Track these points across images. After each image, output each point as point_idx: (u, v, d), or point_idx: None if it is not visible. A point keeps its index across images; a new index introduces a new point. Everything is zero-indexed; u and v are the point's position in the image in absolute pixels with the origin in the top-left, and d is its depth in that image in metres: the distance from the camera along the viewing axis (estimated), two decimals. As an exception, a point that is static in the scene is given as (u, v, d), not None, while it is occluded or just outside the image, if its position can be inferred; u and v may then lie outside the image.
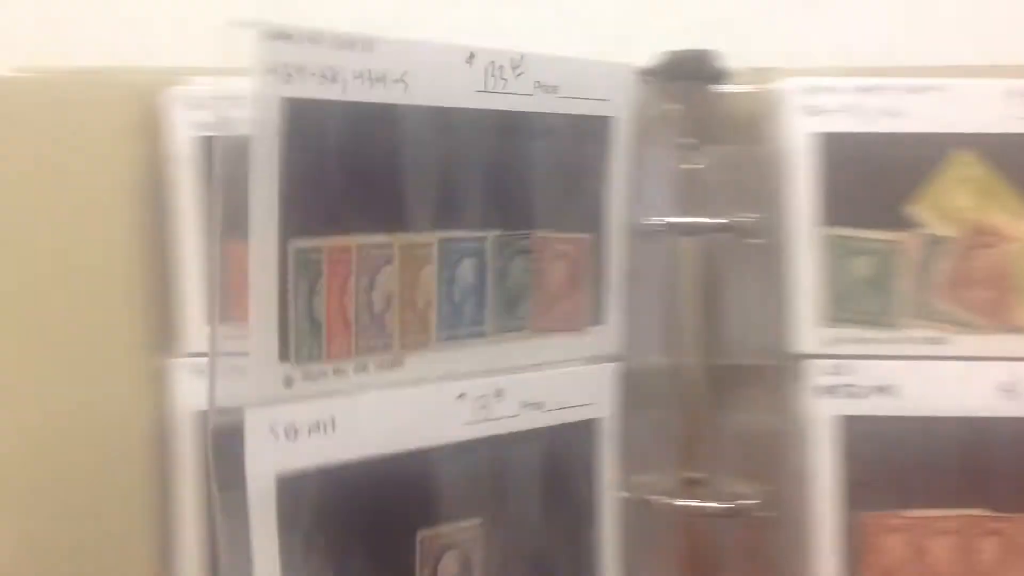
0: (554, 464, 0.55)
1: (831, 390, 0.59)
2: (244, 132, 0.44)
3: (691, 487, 0.59)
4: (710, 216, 0.59)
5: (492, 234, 0.52)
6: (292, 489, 0.46)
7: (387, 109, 0.48)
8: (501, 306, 0.53)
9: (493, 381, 0.52)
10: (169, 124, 0.55)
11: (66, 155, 0.56)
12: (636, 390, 0.58)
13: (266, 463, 0.45)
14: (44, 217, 0.56)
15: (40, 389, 0.55)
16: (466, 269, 0.51)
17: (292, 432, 0.46)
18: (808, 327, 0.59)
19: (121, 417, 0.55)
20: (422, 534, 0.50)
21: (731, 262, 0.60)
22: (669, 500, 0.58)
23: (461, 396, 0.51)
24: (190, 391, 0.55)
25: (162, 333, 0.56)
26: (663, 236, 0.58)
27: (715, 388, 0.60)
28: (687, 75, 0.59)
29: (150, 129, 0.55)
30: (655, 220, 0.58)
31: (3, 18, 0.64)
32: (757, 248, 0.60)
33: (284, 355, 0.46)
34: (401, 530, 0.50)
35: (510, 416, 0.53)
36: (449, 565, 0.51)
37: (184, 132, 0.55)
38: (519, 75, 0.52)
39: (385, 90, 0.48)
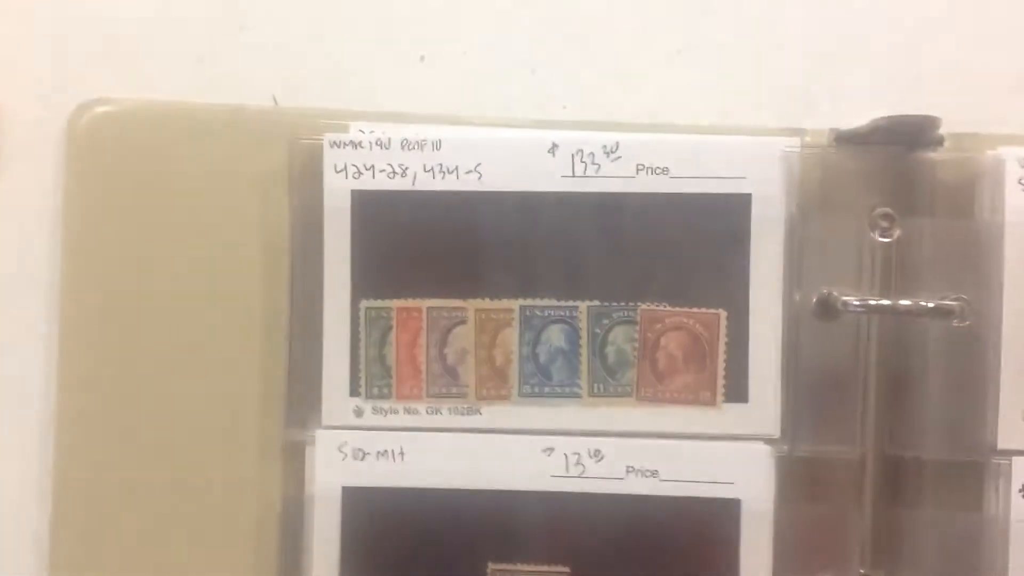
0: (677, 536, 0.56)
1: None
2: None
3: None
4: (907, 296, 0.55)
5: (585, 304, 0.56)
6: (356, 501, 0.56)
7: (459, 195, 0.55)
8: (598, 372, 0.56)
9: (590, 441, 0.56)
10: (323, 173, 0.56)
11: (209, 200, 0.57)
12: (807, 479, 0.56)
13: (333, 476, 0.57)
14: (178, 267, 0.57)
15: (173, 461, 0.57)
16: (554, 334, 0.56)
17: (360, 454, 0.57)
18: (1013, 420, 0.54)
19: (253, 493, 0.57)
20: (493, 567, 0.57)
21: (928, 345, 0.55)
22: None
23: (548, 450, 0.56)
24: (328, 465, 0.56)
25: (301, 404, 0.57)
26: (851, 315, 0.56)
27: (900, 483, 0.55)
28: (894, 141, 0.55)
29: (302, 177, 0.56)
30: (851, 299, 0.55)
31: (156, 46, 0.60)
32: (959, 332, 0.54)
33: (355, 391, 0.57)
34: (472, 561, 0.57)
35: (613, 478, 0.56)
36: (524, 601, 0.57)
37: (338, 182, 0.56)
38: (615, 159, 0.55)
39: (458, 180, 0.55)
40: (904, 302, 0.54)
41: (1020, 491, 0.53)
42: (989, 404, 0.54)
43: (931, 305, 0.54)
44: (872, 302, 0.55)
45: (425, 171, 0.55)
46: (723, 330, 0.55)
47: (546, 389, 0.56)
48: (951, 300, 0.54)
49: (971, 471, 0.55)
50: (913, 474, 0.55)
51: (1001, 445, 0.53)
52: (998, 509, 0.53)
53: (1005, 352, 0.53)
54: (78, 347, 0.58)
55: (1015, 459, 0.53)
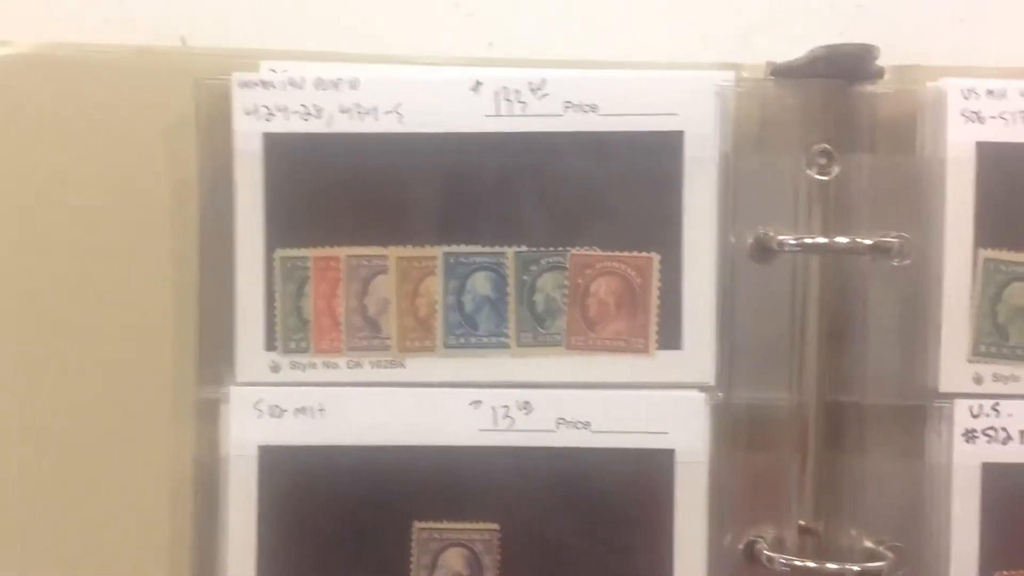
0: (610, 489, 0.54)
1: (976, 434, 0.52)
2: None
3: (806, 540, 0.54)
4: (845, 234, 0.53)
5: (512, 249, 0.53)
6: (274, 461, 0.54)
7: (378, 137, 0.52)
8: (527, 321, 0.53)
9: (519, 393, 0.54)
10: (232, 115, 0.53)
11: (114, 146, 0.54)
12: (745, 428, 0.54)
13: (249, 435, 0.54)
14: (82, 216, 0.54)
15: (81, 424, 0.55)
16: (479, 282, 0.53)
17: (277, 411, 0.54)
18: (955, 362, 0.52)
19: (165, 456, 0.55)
20: (419, 526, 0.54)
21: (867, 287, 0.53)
22: (784, 556, 0.53)
23: (476, 403, 0.54)
24: (243, 424, 0.53)
25: (214, 360, 0.54)
26: (788, 256, 0.54)
27: (840, 430, 0.54)
28: (833, 73, 0.52)
29: (210, 120, 0.53)
30: (785, 239, 0.53)
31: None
32: (899, 273, 0.52)
33: (271, 345, 0.54)
34: (396, 520, 0.54)
35: (543, 430, 0.54)
36: (453, 561, 0.54)
37: (248, 125, 0.53)
38: (542, 96, 0.52)
39: (377, 122, 0.52)
40: (842, 240, 0.52)
41: (962, 435, 0.51)
42: (931, 346, 0.52)
43: (870, 242, 0.52)
44: (809, 241, 0.53)
45: (342, 112, 0.52)
46: (656, 274, 0.53)
47: (472, 340, 0.54)
48: (891, 238, 0.52)
49: (913, 416, 0.53)
50: (854, 421, 0.53)
51: (943, 388, 0.51)
52: (941, 454, 0.51)
53: (947, 292, 0.51)
54: (-26, 303, 0.54)
55: (957, 402, 0.51)
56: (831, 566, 0.52)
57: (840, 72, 0.53)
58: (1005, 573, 0.51)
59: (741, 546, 0.54)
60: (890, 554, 0.52)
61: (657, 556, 0.53)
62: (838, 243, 0.52)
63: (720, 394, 0.53)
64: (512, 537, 0.53)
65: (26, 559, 0.55)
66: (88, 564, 0.55)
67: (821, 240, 0.52)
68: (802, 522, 0.54)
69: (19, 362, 0.55)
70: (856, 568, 0.51)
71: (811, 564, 0.52)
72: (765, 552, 0.52)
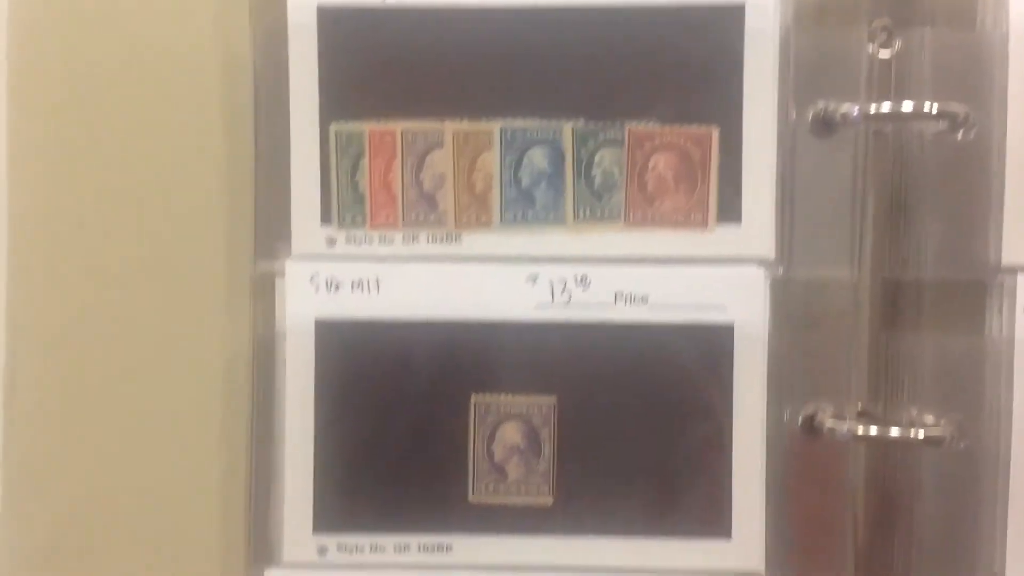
0: (668, 363, 0.54)
1: None
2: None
3: (869, 416, 0.54)
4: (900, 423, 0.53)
5: (570, 124, 0.52)
6: (330, 335, 0.54)
7: (435, 10, 0.52)
8: (584, 195, 0.53)
9: (576, 268, 0.53)
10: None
11: (166, 21, 0.54)
12: (804, 303, 0.54)
13: (306, 309, 0.54)
14: (136, 92, 0.54)
15: (139, 300, 0.55)
16: (536, 157, 0.53)
17: (333, 285, 0.54)
18: (1019, 235, 0.52)
19: (223, 331, 0.55)
20: (476, 399, 0.54)
21: (929, 160, 0.53)
22: (847, 427, 0.53)
23: (533, 278, 0.53)
24: (300, 298, 0.54)
25: (270, 234, 0.54)
26: (850, 130, 0.53)
27: (900, 306, 0.53)
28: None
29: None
30: (848, 111, 0.52)
31: None
32: (961, 146, 0.52)
33: (327, 219, 0.53)
34: (453, 393, 0.54)
35: (601, 305, 0.53)
36: (510, 434, 0.54)
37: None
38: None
39: (435, -8, 0.51)
40: (907, 107, 0.51)
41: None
42: (993, 220, 0.51)
43: (935, 110, 0.51)
44: (873, 111, 0.52)
45: (400, -18, 0.52)
46: (715, 149, 0.52)
47: (529, 214, 0.53)
48: (952, 108, 0.51)
49: (974, 292, 0.52)
50: (913, 297, 0.53)
51: (1006, 261, 0.51)
52: (1001, 330, 0.51)
53: (1010, 165, 0.50)
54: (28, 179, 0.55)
55: (1021, 275, 0.50)
56: (895, 433, 0.51)
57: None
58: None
59: (800, 420, 0.53)
60: (951, 426, 0.51)
61: (715, 430, 0.53)
62: (903, 112, 0.52)
63: (780, 269, 0.52)
64: (569, 411, 0.53)
65: (81, 431, 0.55)
66: (144, 440, 0.55)
67: (886, 109, 0.52)
68: (860, 404, 0.53)
69: (77, 237, 0.55)
70: (920, 434, 0.51)
71: (874, 431, 0.51)
72: (828, 423, 0.52)
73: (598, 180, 0.53)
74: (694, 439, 0.53)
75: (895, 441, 0.51)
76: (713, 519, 0.53)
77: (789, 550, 0.53)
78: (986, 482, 0.52)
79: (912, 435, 0.51)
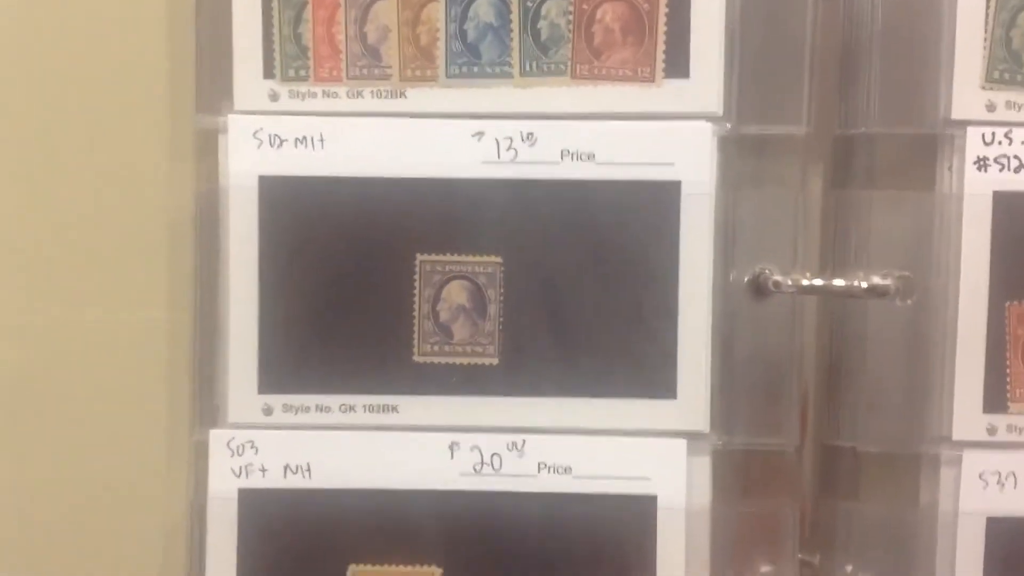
0: (616, 222, 0.53)
1: (988, 162, 0.51)
2: None
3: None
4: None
5: (516, -29, 0.52)
6: (274, 191, 0.53)
7: None
8: (531, 49, 0.52)
9: (522, 124, 0.53)
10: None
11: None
12: (756, 164, 0.53)
13: (249, 166, 0.53)
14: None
15: (74, 158, 0.54)
16: (482, 9, 0.52)
17: (276, 141, 0.53)
18: (968, 89, 0.51)
19: (164, 189, 0.55)
20: (421, 258, 0.54)
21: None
22: (792, 279, 0.53)
23: (478, 134, 0.53)
24: (242, 154, 0.53)
25: (211, 88, 0.53)
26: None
27: (852, 163, 0.53)
28: None
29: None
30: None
31: None
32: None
33: (269, 73, 0.52)
34: (398, 252, 0.54)
35: (547, 162, 0.53)
36: (456, 293, 0.54)
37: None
38: None
39: None
40: None
41: (974, 163, 0.50)
42: (943, 73, 0.51)
43: None
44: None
45: None
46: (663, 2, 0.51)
47: (475, 69, 0.53)
48: None
49: (923, 147, 0.52)
50: (863, 155, 0.52)
51: (955, 115, 0.51)
52: (952, 184, 0.51)
53: (961, 16, 0.50)
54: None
55: (969, 129, 0.50)
56: (839, 283, 0.51)
57: None
58: (1015, 304, 0.50)
59: (747, 279, 0.53)
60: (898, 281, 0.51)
61: (661, 290, 0.53)
62: None
63: (728, 125, 0.52)
64: (515, 270, 0.53)
65: (19, 293, 0.54)
66: (85, 301, 0.55)
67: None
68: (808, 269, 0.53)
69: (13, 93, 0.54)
70: (864, 284, 0.50)
71: (819, 282, 0.51)
72: (774, 277, 0.51)
73: (544, 33, 0.52)
74: (640, 299, 0.53)
75: (840, 291, 0.51)
76: (658, 379, 0.53)
77: (734, 410, 0.53)
78: (934, 340, 0.52)
79: (856, 285, 0.50)
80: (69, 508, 0.54)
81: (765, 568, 0.53)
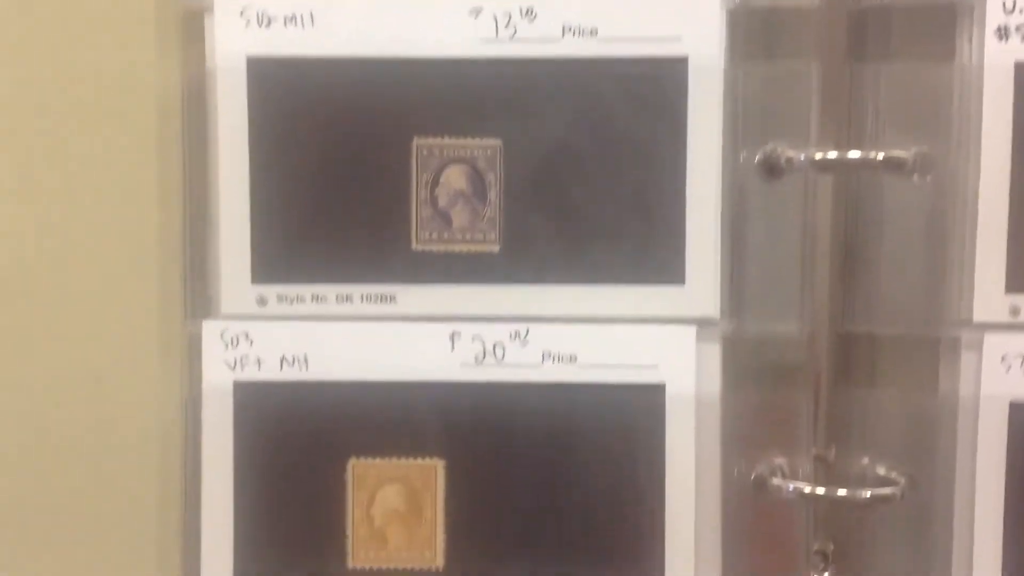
0: (621, 101, 0.51)
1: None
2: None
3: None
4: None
5: None
6: (263, 72, 0.51)
7: None
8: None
9: (521, -1, 0.50)
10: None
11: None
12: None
13: (237, 45, 0.51)
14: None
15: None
16: None
17: (264, 19, 0.51)
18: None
19: (152, 74, 0.52)
20: (418, 142, 0.51)
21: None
22: (804, 155, 0.50)
23: (475, 11, 0.50)
24: (230, 33, 0.51)
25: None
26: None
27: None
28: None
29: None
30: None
31: None
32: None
33: (254, -52, 0.50)
34: (395, 135, 0.52)
35: (548, 40, 0.51)
36: (454, 178, 0.52)
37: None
38: None
39: None
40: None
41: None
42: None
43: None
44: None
45: None
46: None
47: (471, -57, 0.50)
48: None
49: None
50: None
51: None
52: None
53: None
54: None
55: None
56: (854, 155, 0.48)
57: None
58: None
59: (758, 158, 0.50)
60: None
61: (670, 173, 0.51)
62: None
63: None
64: (515, 154, 0.51)
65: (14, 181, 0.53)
66: (73, 193, 0.53)
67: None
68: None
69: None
70: (880, 157, 0.48)
71: (832, 155, 0.49)
72: (786, 155, 0.49)
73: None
74: (646, 181, 0.51)
75: (855, 164, 0.49)
76: (666, 264, 0.51)
77: (745, 296, 0.51)
78: (954, 218, 0.50)
79: (873, 157, 0.48)
80: (61, 403, 0.52)
81: (779, 460, 0.51)
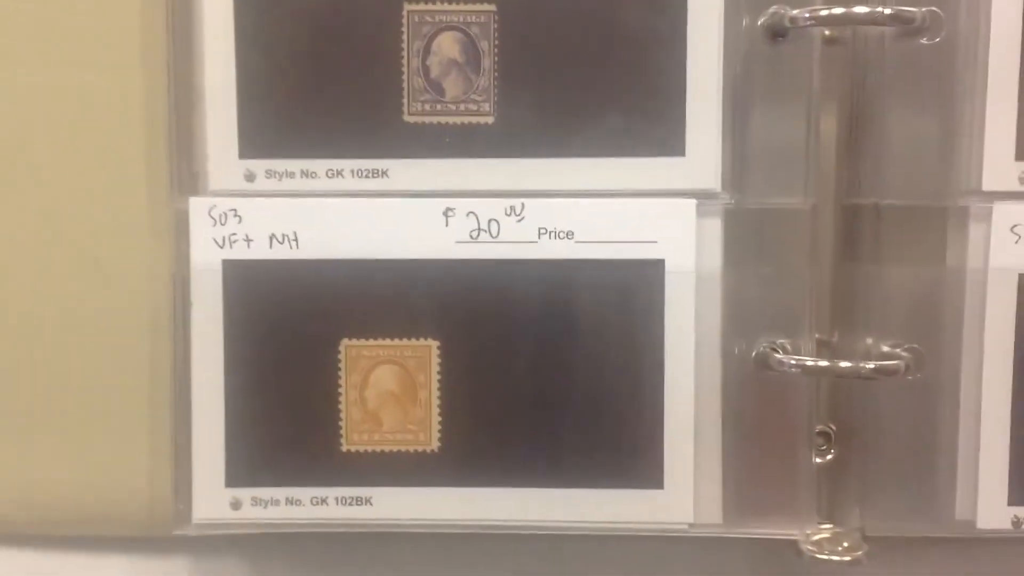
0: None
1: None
2: None
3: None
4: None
5: None
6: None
7: None
8: None
9: None
10: None
11: None
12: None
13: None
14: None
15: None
16: None
17: None
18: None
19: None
20: (410, 7, 0.50)
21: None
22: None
23: None
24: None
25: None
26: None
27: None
28: None
29: None
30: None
31: None
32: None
33: None
34: (384, 1, 0.50)
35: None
36: (447, 46, 0.50)
37: None
38: None
39: None
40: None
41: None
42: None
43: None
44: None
45: None
46: None
47: None
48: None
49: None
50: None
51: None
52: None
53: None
54: None
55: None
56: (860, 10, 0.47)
57: None
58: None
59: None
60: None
61: (669, 32, 0.49)
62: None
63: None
64: (511, 19, 0.50)
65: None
66: (59, 54, 0.51)
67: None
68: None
69: None
70: (888, 11, 0.47)
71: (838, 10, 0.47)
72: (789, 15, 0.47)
73: None
74: (646, 47, 0.50)
75: (862, 19, 0.47)
76: (666, 135, 0.50)
77: (747, 167, 0.50)
78: (963, 83, 0.48)
79: (881, 12, 0.46)
80: (47, 280, 0.51)
81: (781, 340, 0.50)
